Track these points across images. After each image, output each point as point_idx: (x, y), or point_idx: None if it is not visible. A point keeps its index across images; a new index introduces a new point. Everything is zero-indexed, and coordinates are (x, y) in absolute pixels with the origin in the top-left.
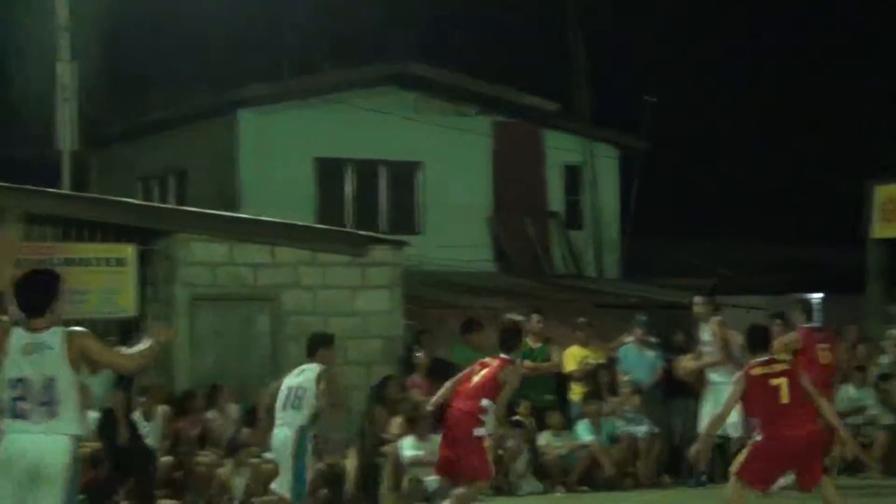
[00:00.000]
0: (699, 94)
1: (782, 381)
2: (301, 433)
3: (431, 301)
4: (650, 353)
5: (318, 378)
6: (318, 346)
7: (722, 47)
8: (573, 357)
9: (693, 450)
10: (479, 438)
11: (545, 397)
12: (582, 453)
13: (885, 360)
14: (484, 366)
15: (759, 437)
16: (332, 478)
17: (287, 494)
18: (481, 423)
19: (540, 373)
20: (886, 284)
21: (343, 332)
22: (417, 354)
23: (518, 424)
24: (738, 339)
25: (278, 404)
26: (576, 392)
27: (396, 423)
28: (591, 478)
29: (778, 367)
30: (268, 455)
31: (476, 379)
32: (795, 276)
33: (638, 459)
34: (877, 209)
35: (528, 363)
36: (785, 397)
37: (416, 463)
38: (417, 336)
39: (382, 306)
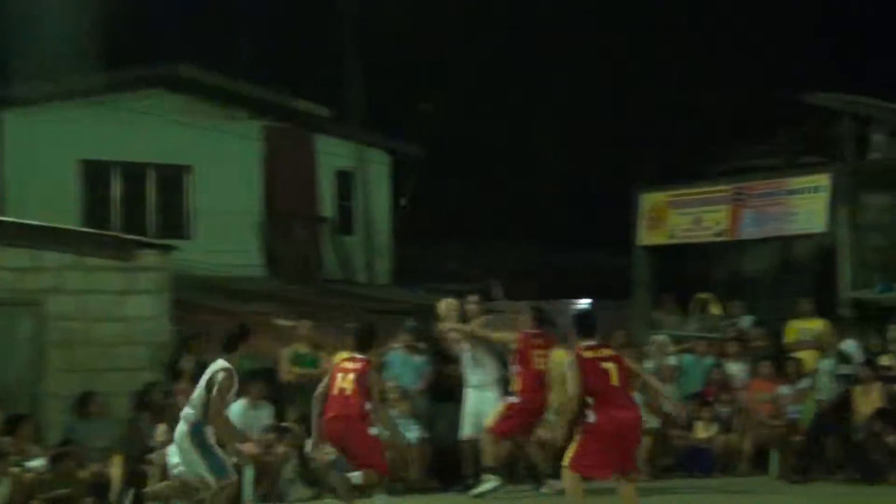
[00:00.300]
0: (471, 101)
1: (611, 366)
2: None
3: (200, 306)
4: (418, 359)
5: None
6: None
7: (492, 55)
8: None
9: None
10: (375, 437)
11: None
12: None
13: (649, 364)
14: (344, 371)
15: (590, 421)
16: (97, 486)
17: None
18: (371, 423)
19: (310, 378)
20: (652, 291)
21: (109, 338)
22: (183, 361)
23: (285, 430)
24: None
25: None
26: None
27: (161, 430)
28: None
29: (606, 352)
30: (30, 464)
31: (346, 386)
32: (564, 282)
33: (408, 464)
34: (642, 216)
35: (297, 370)
36: (615, 380)
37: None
38: (185, 342)
39: (150, 312)
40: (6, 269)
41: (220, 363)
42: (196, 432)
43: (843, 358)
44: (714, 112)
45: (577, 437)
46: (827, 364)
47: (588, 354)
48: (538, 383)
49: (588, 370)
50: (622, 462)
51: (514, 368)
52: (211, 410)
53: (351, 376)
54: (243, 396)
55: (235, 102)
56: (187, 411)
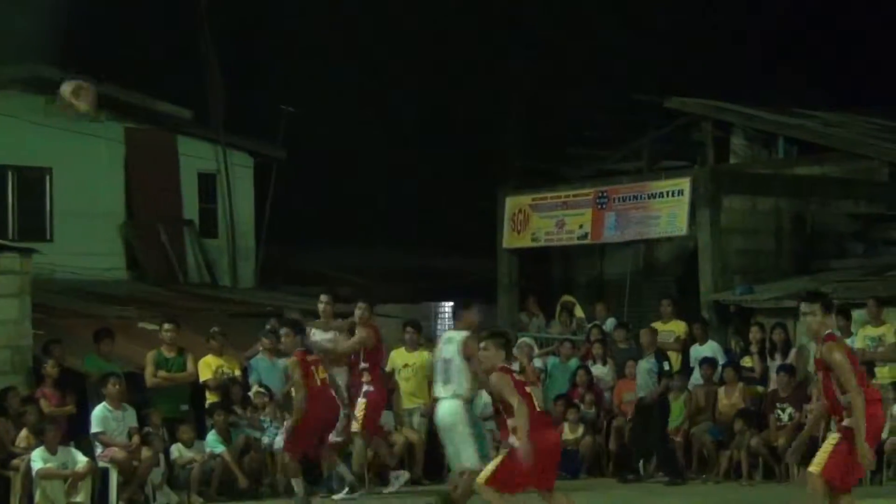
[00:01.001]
0: (339, 101)
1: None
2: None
3: (62, 310)
4: (281, 361)
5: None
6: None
7: (362, 56)
8: (208, 366)
9: None
10: None
11: (181, 407)
12: (214, 463)
13: (516, 366)
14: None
15: (517, 444)
16: None
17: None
18: None
19: (175, 382)
20: (517, 293)
21: None
22: (46, 365)
23: (149, 434)
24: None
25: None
26: (212, 401)
27: (22, 435)
28: (229, 488)
29: (522, 376)
30: None
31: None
32: (430, 285)
33: (275, 469)
34: (507, 219)
35: (162, 373)
36: (539, 403)
37: (47, 475)
38: (46, 346)
39: (10, 315)
40: None
41: None
42: None
43: (662, 357)
44: (577, 115)
45: (504, 456)
46: (645, 364)
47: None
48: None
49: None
50: (541, 483)
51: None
52: None
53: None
54: (104, 400)
55: (97, 104)
56: None
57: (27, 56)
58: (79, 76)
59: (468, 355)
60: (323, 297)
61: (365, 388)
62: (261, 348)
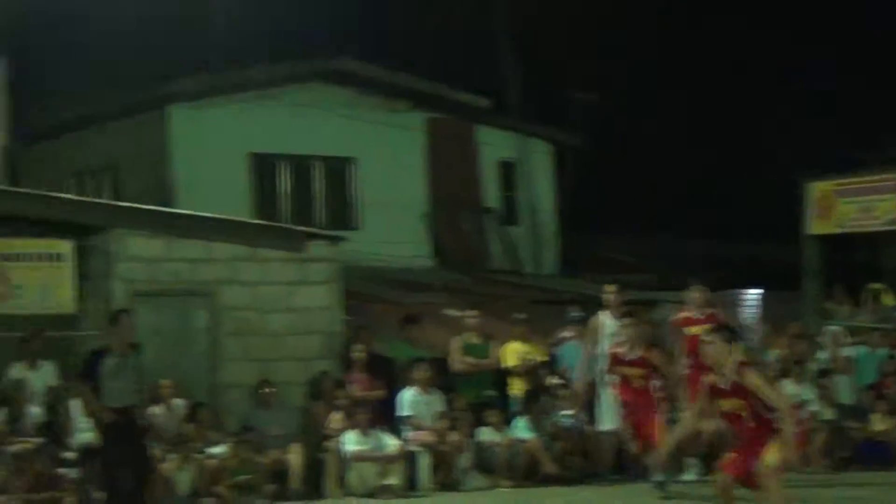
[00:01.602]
0: (634, 88)
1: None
2: None
3: (369, 297)
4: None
5: None
6: None
7: (658, 42)
8: (513, 352)
9: None
10: None
11: (485, 393)
12: (521, 449)
13: (822, 355)
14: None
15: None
16: (277, 473)
17: None
18: None
19: (480, 369)
20: (822, 281)
21: (282, 328)
22: (355, 350)
23: (456, 419)
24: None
25: None
26: (516, 387)
27: (335, 418)
28: (534, 473)
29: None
30: (212, 451)
31: None
32: (733, 273)
33: (585, 455)
34: (812, 205)
35: (468, 359)
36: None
37: (360, 458)
38: (355, 332)
39: (321, 302)
40: (181, 261)
41: None
42: None
43: None
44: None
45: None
46: None
47: None
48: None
49: None
50: None
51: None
52: None
53: None
54: (412, 384)
55: (397, 94)
56: None
57: (330, 50)
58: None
59: None
60: (610, 287)
61: None
62: (566, 335)
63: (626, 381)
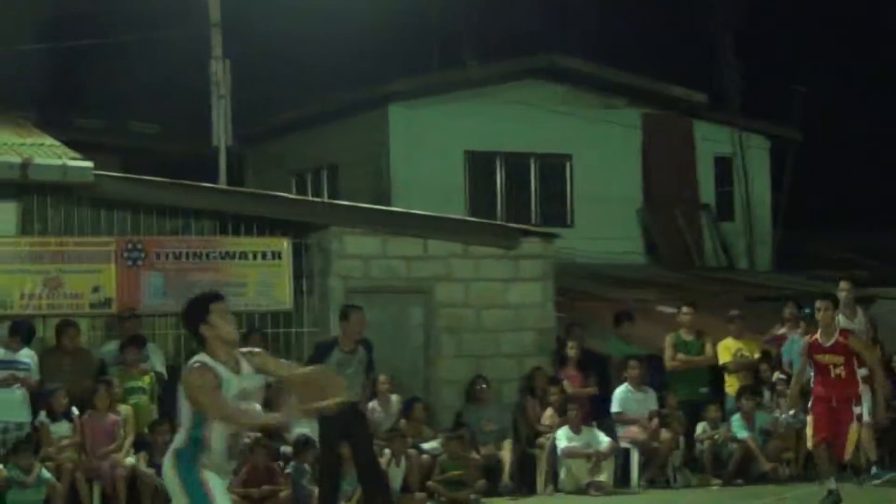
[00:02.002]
0: (852, 82)
1: None
2: None
3: (582, 293)
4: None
5: None
6: None
7: (875, 33)
8: (727, 349)
9: None
10: None
11: (699, 390)
12: (735, 446)
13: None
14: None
15: None
16: (489, 469)
17: None
18: None
19: (694, 365)
20: None
21: (495, 325)
22: (567, 346)
23: (668, 416)
24: None
25: None
26: (730, 385)
27: (547, 414)
28: (746, 471)
29: None
30: (425, 446)
31: None
32: None
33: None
34: None
35: (681, 356)
36: None
37: (571, 454)
38: (567, 328)
39: (534, 299)
40: (397, 258)
41: None
42: None
43: None
44: None
45: None
46: None
47: None
48: None
49: None
50: None
51: None
52: None
53: None
54: (625, 381)
55: (613, 91)
56: None
57: (542, 47)
58: None
59: None
60: (844, 285)
61: None
62: (781, 331)
63: (823, 372)
